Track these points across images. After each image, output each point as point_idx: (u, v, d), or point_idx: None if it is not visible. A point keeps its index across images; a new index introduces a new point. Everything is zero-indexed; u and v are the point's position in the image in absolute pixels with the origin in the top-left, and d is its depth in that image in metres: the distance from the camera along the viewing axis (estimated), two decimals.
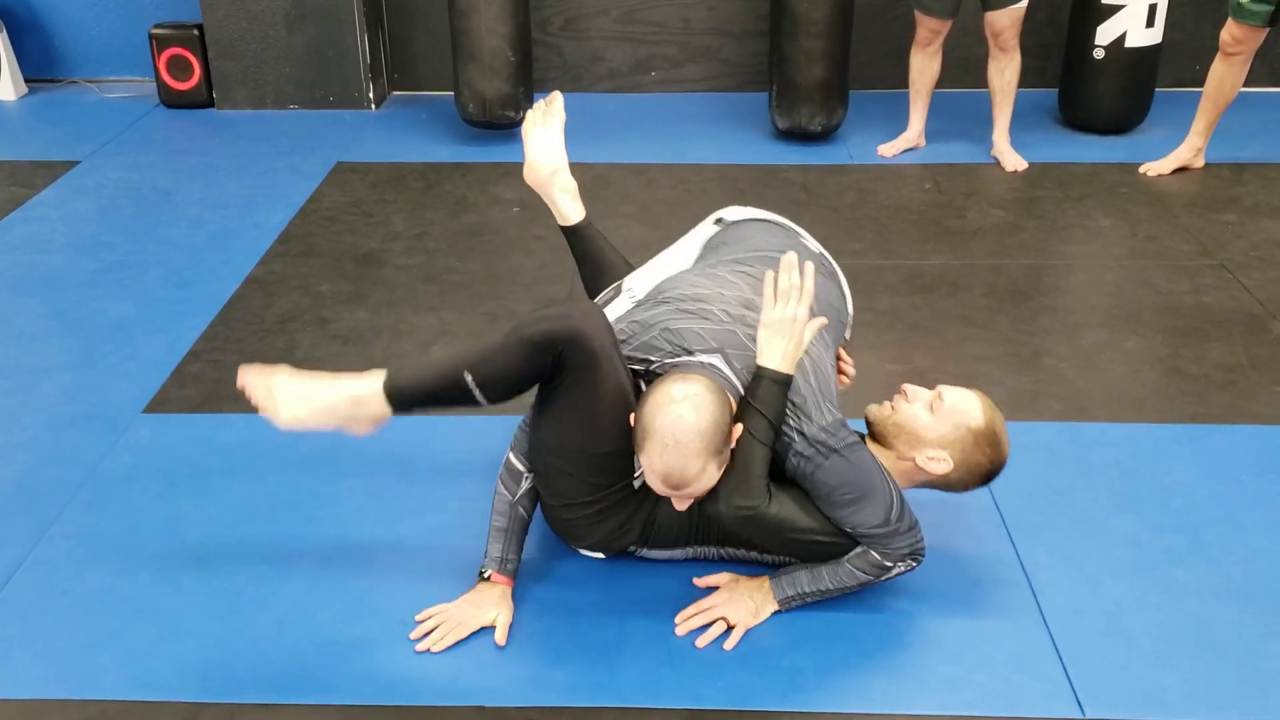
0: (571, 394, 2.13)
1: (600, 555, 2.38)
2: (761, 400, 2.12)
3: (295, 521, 2.57)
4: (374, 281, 3.68)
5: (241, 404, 2.99)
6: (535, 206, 4.20)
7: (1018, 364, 3.18)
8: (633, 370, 2.23)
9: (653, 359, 2.23)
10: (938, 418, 2.22)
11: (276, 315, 3.48)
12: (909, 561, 2.21)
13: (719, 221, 2.62)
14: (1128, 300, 3.53)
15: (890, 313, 3.45)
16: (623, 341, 2.25)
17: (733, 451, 2.11)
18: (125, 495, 2.66)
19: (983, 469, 2.25)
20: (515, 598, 2.30)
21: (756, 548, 2.32)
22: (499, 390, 2.13)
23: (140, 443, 2.86)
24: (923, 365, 3.15)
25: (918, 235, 3.99)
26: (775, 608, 2.26)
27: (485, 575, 2.28)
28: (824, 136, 4.80)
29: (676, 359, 2.22)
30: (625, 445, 2.16)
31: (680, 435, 2.02)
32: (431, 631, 2.22)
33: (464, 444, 2.83)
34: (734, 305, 2.28)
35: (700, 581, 2.32)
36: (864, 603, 2.30)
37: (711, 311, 2.27)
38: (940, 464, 2.21)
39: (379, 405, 2.16)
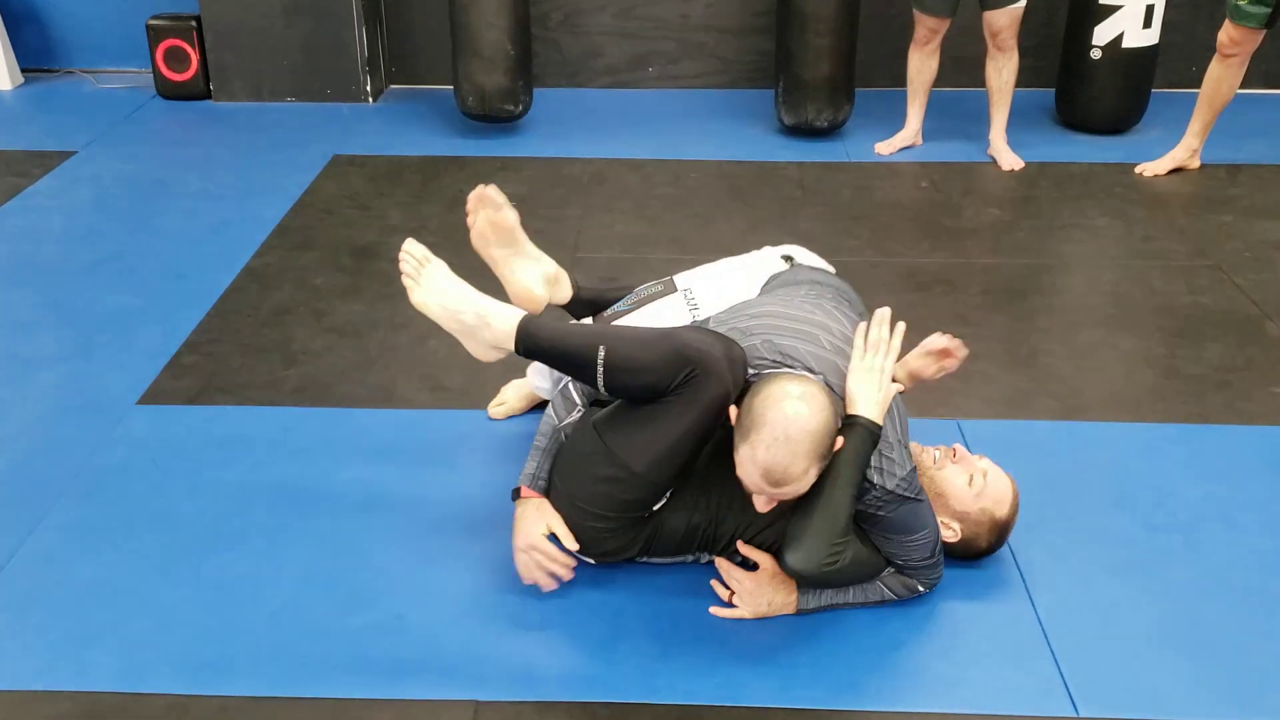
0: (664, 414, 2.10)
1: (590, 562, 2.35)
2: (852, 447, 2.08)
3: (289, 514, 2.56)
4: (370, 274, 3.68)
5: (235, 396, 3.01)
6: (532, 201, 4.21)
7: (1014, 363, 3.18)
8: None
9: (751, 366, 2.16)
10: (973, 493, 2.30)
11: (272, 307, 3.47)
12: (933, 584, 2.28)
13: (788, 259, 2.62)
14: (1124, 300, 3.54)
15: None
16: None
17: (818, 497, 2.07)
18: (119, 486, 2.65)
19: (976, 550, 2.35)
20: (509, 590, 2.31)
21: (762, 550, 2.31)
22: (619, 378, 2.12)
23: (134, 434, 2.85)
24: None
25: (914, 233, 3.99)
26: (790, 612, 2.25)
27: (517, 491, 2.30)
28: (829, 132, 4.80)
29: (780, 370, 2.16)
30: (667, 484, 2.18)
31: (793, 431, 1.99)
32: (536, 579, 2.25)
33: (462, 438, 2.83)
34: (837, 337, 2.24)
35: (745, 548, 2.26)
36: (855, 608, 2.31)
37: (817, 336, 2.23)
38: (949, 533, 2.30)
39: (506, 337, 2.23)
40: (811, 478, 2.04)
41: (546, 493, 2.32)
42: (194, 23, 5.20)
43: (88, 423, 2.89)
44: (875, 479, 2.12)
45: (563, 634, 2.23)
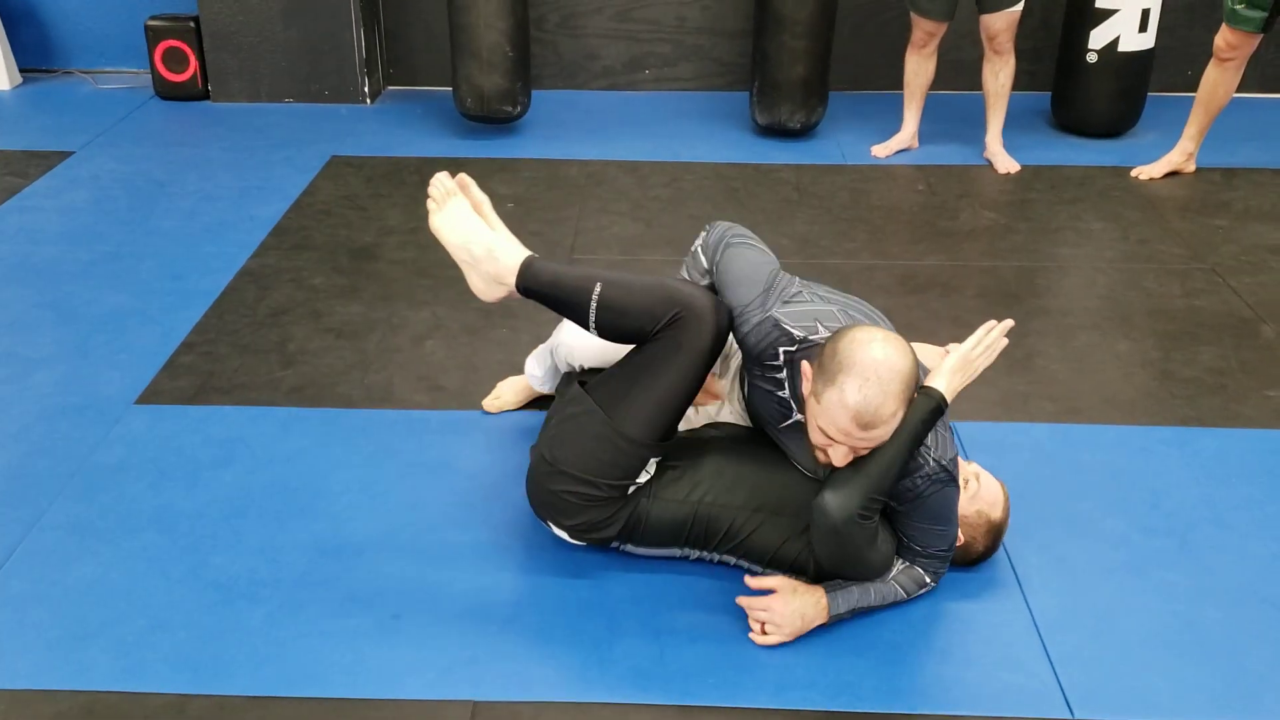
0: (649, 364, 2.20)
1: (575, 542, 2.37)
2: (919, 411, 2.10)
3: (286, 514, 2.56)
4: (368, 275, 3.68)
5: (232, 396, 3.02)
6: (529, 202, 4.22)
7: (1010, 365, 3.19)
8: (796, 335, 2.17)
9: (824, 326, 2.17)
10: (968, 495, 2.33)
11: (269, 308, 3.47)
12: (938, 577, 2.30)
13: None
14: (1119, 303, 3.55)
15: (883, 313, 3.44)
16: (797, 300, 2.22)
17: (872, 451, 2.08)
18: (117, 486, 2.66)
19: (974, 554, 2.38)
20: (506, 590, 2.31)
21: (753, 557, 2.32)
22: (610, 317, 2.21)
23: (132, 434, 2.85)
24: None
25: (911, 236, 4.00)
26: (824, 620, 2.23)
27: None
28: (803, 134, 4.82)
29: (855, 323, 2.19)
30: (650, 445, 2.22)
31: (884, 372, 1.99)
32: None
33: (459, 438, 2.83)
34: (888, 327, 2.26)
35: (753, 582, 2.26)
36: None
37: (879, 320, 2.27)
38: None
39: (508, 272, 2.29)
40: (897, 422, 2.04)
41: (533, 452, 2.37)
42: (193, 24, 5.21)
43: (85, 422, 2.89)
44: (933, 450, 2.13)
45: (560, 635, 2.23)
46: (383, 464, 2.74)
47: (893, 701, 2.10)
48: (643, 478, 2.28)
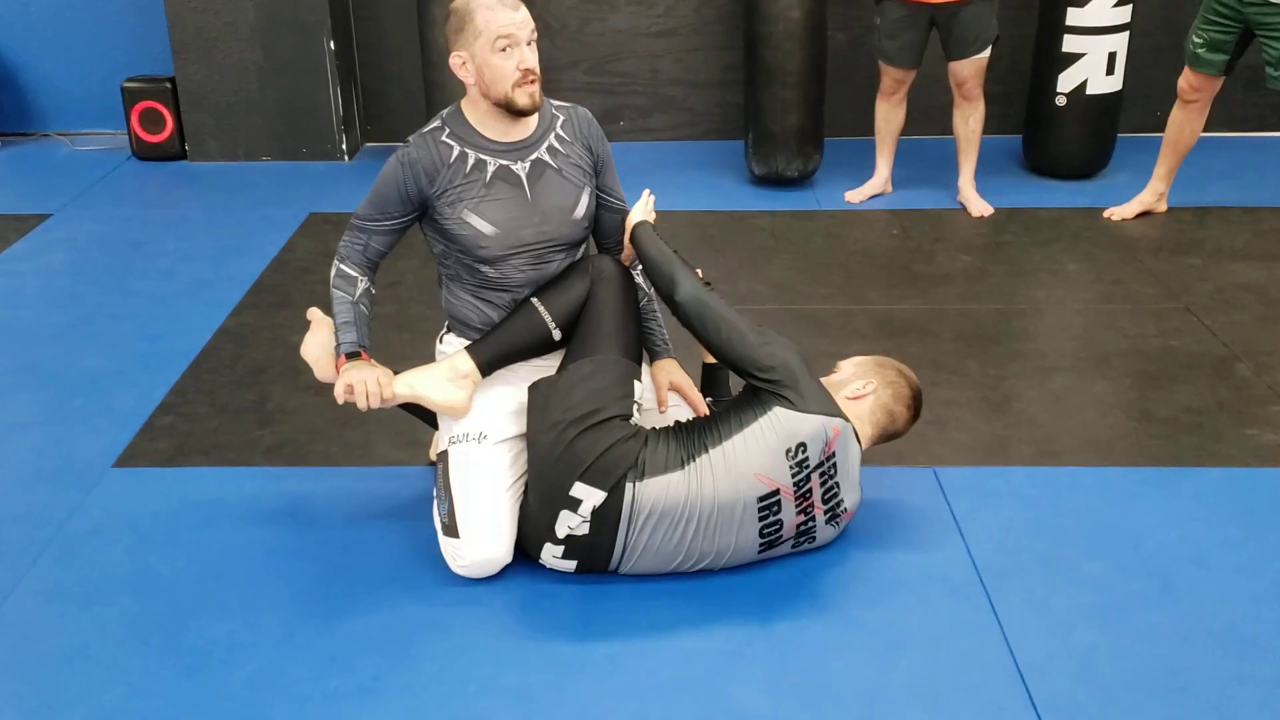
0: (590, 311, 2.55)
1: (567, 566, 2.45)
2: (645, 234, 2.62)
3: (266, 577, 2.55)
4: None
5: (211, 457, 3.01)
6: None
7: (988, 408, 3.20)
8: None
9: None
10: (843, 372, 2.69)
11: (248, 366, 3.47)
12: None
13: None
14: (1095, 344, 3.57)
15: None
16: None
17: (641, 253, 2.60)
18: (94, 551, 2.64)
19: (903, 383, 2.64)
20: (486, 650, 2.30)
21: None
22: (564, 311, 2.55)
23: (110, 498, 2.84)
24: None
25: (886, 280, 4.03)
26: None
27: (353, 354, 2.55)
28: (800, 182, 4.86)
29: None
30: (632, 356, 2.55)
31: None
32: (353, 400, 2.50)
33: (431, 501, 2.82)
34: None
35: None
36: (838, 649, 2.31)
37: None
38: (866, 385, 2.61)
39: (462, 360, 2.57)
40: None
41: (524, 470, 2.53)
42: (169, 84, 5.24)
43: (63, 487, 2.88)
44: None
45: (546, 694, 2.22)
46: (361, 523, 2.72)
47: None
48: (636, 389, 2.52)
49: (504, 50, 2.44)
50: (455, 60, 2.50)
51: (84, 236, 4.50)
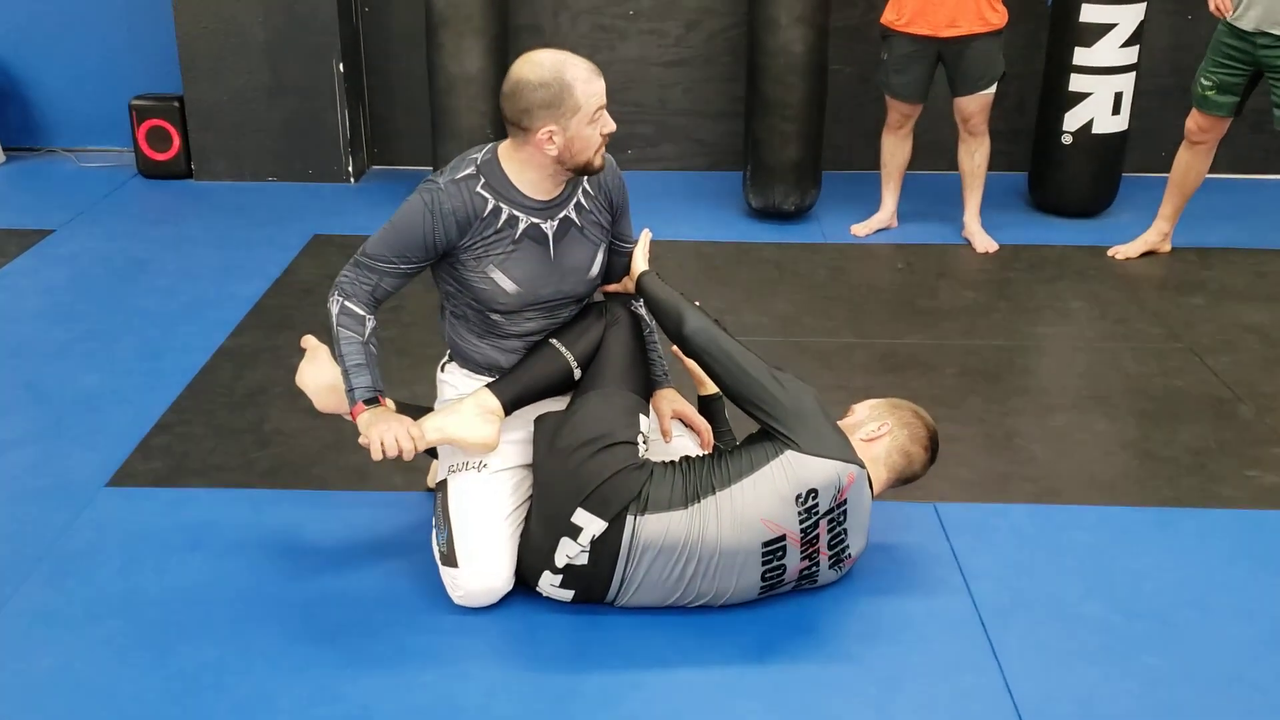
0: (604, 350, 2.57)
1: (564, 596, 2.42)
2: (652, 283, 2.65)
3: (256, 601, 2.52)
4: None
5: (206, 478, 2.99)
6: None
7: (990, 445, 3.18)
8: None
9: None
10: (857, 414, 2.64)
11: (247, 387, 3.45)
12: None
13: None
14: (1098, 382, 3.55)
15: (863, 392, 3.42)
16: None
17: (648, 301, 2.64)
18: (83, 572, 2.61)
19: (919, 424, 2.58)
20: (477, 680, 2.27)
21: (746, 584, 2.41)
22: (585, 354, 2.56)
23: (102, 517, 2.81)
24: None
25: (890, 315, 4.01)
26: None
27: (370, 400, 2.43)
28: (797, 216, 4.85)
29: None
30: (640, 391, 2.56)
31: (560, 53, 2.46)
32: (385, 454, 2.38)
33: (428, 527, 2.80)
34: None
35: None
36: (836, 686, 2.28)
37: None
38: (881, 427, 2.56)
39: (488, 397, 2.52)
40: None
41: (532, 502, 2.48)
42: (177, 103, 5.25)
43: (55, 505, 2.85)
44: None
45: None
46: (357, 548, 2.70)
47: None
48: (643, 415, 2.51)
49: (597, 119, 2.43)
50: (543, 135, 2.38)
51: (86, 253, 4.49)
